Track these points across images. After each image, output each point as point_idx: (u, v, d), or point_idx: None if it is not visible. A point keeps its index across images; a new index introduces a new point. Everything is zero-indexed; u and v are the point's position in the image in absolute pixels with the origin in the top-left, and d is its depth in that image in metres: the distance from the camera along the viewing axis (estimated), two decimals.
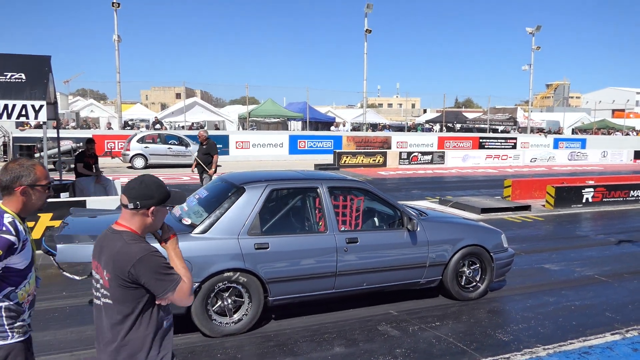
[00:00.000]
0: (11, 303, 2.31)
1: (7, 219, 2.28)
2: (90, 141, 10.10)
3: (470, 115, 47.68)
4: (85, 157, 9.79)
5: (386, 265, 5.24)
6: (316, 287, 4.96)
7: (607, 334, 4.92)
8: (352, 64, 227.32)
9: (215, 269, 4.45)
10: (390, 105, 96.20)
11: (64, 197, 8.59)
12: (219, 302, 4.58)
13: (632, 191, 13.59)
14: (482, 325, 5.09)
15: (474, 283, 5.81)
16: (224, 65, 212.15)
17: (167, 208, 2.28)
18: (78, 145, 18.12)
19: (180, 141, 21.53)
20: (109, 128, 29.18)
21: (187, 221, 4.83)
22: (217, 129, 34.05)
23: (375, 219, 5.61)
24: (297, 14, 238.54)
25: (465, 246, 5.64)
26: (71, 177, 11.07)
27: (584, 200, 12.79)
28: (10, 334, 2.30)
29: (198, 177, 11.33)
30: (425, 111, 70.01)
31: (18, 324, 2.33)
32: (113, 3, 25.35)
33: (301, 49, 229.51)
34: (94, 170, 9.81)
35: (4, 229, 2.24)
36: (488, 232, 6.06)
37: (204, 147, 10.91)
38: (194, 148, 21.65)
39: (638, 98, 76.10)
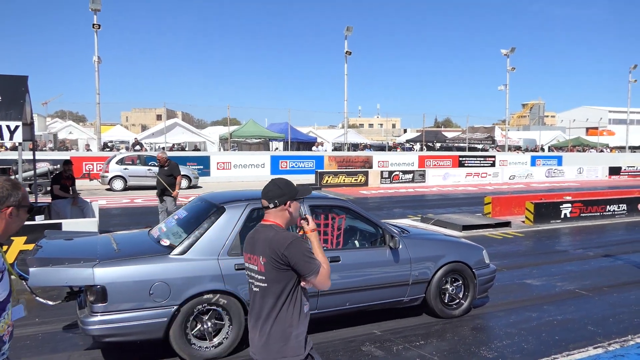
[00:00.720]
0: (4, 323, 2.11)
1: None
2: (67, 162, 9.92)
3: (449, 135, 48.39)
4: (62, 178, 9.60)
5: (369, 284, 5.18)
6: None
7: (589, 347, 4.93)
8: (333, 84, 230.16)
9: (195, 291, 4.35)
10: (371, 125, 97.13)
11: (39, 220, 8.38)
12: (199, 326, 4.46)
13: (608, 206, 13.85)
14: (466, 343, 5.05)
15: (457, 300, 5.79)
16: (206, 87, 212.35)
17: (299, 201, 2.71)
18: (55, 167, 17.79)
19: None
20: (88, 150, 28.80)
21: (165, 242, 4.73)
22: (197, 149, 33.84)
23: (357, 238, 5.57)
24: (279, 35, 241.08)
25: (447, 263, 5.63)
26: (47, 199, 10.83)
27: (562, 216, 12.98)
28: (6, 355, 2.14)
29: (164, 199, 10.26)
30: (405, 131, 70.80)
31: (7, 347, 2.15)
32: (94, 25, 25.25)
33: (282, 70, 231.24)
34: (71, 192, 9.62)
35: None
36: (470, 249, 6.07)
37: (166, 169, 10.24)
38: None
39: (610, 116, 78.29)
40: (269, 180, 2.72)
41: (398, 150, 39.67)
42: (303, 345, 2.56)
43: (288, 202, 2.62)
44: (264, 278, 2.54)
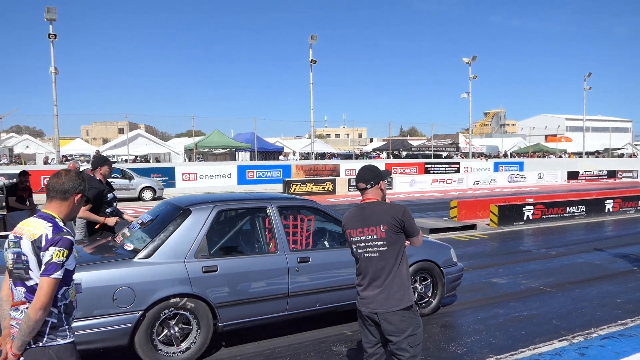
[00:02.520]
0: (67, 301, 2.45)
1: (60, 222, 2.46)
2: (23, 173, 9.54)
3: (415, 143, 49.13)
4: (18, 190, 9.23)
5: (339, 284, 5.15)
6: (268, 310, 4.79)
7: (555, 341, 5.03)
8: (298, 95, 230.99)
9: (161, 295, 4.22)
10: (337, 135, 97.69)
11: None
12: (165, 331, 4.32)
13: (568, 208, 14.32)
14: (435, 340, 5.08)
15: (426, 299, 5.82)
16: (168, 99, 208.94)
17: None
18: (10, 181, 17.11)
19: (124, 174, 20.83)
20: (46, 163, 27.83)
21: (129, 247, 4.58)
22: (158, 161, 33.20)
23: (327, 238, 5.55)
24: (242, 43, 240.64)
25: (416, 262, 5.66)
26: (3, 212, 10.37)
27: (525, 218, 13.33)
28: (69, 333, 2.45)
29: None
30: (372, 140, 71.46)
31: (71, 324, 2.49)
32: (49, 35, 24.57)
33: (247, 81, 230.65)
34: (28, 204, 9.24)
35: (64, 230, 2.41)
36: (438, 248, 6.13)
37: None
38: (138, 181, 20.98)
39: (568, 124, 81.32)
40: (234, 191, 2.80)
41: (378, 158, 39.93)
42: (413, 291, 3.17)
43: (381, 182, 3.26)
44: (384, 242, 3.13)
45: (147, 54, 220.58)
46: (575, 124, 74.81)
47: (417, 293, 5.75)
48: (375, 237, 3.13)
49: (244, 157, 35.92)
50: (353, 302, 5.30)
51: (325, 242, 5.49)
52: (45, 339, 2.37)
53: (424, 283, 5.81)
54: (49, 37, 24.64)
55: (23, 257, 2.39)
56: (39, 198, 14.64)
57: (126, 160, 29.80)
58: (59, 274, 2.33)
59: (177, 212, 4.76)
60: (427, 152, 41.20)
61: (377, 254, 3.14)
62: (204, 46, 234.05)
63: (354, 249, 3.26)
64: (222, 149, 33.04)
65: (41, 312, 2.29)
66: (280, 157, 35.10)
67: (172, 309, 4.30)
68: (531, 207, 13.58)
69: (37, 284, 2.34)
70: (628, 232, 12.52)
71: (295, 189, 23.27)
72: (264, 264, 4.78)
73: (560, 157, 47.68)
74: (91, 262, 4.27)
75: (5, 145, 36.32)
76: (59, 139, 27.31)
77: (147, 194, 20.94)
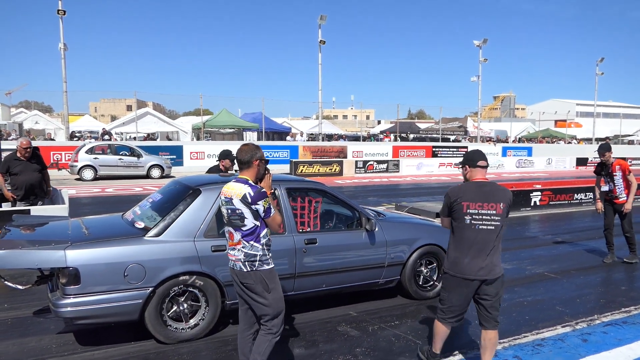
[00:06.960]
0: (268, 239, 3.43)
1: (252, 183, 3.39)
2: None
3: (422, 126, 48.83)
4: None
5: (345, 266, 5.22)
6: None
7: (558, 326, 5.07)
8: (306, 76, 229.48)
9: (170, 272, 4.30)
10: (345, 116, 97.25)
11: (6, 207, 8.12)
12: (175, 307, 4.41)
13: (575, 194, 14.26)
14: None
15: (431, 282, 5.88)
16: (177, 78, 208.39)
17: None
18: None
19: (132, 152, 20.94)
20: (50, 139, 27.92)
21: (140, 224, 4.65)
22: (169, 139, 33.28)
23: (334, 220, 5.59)
24: (252, 23, 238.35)
25: (422, 246, 5.71)
26: None
27: (532, 204, 13.30)
28: (270, 261, 3.44)
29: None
30: (379, 122, 71.11)
31: (271, 254, 3.46)
32: (58, 10, 24.47)
33: (256, 60, 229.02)
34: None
35: (258, 187, 3.36)
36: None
37: (34, 163, 7.66)
38: (146, 159, 21.08)
39: (578, 109, 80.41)
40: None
41: (387, 137, 39.76)
42: (419, 275, 3.95)
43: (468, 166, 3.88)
44: (499, 218, 3.62)
45: (156, 33, 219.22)
46: (586, 110, 74.00)
47: (422, 277, 5.80)
48: (494, 212, 3.61)
49: (251, 137, 35.90)
50: (359, 284, 5.41)
51: (333, 225, 5.54)
52: (257, 265, 3.36)
53: (429, 267, 5.86)
54: (58, 13, 24.57)
55: (237, 211, 3.33)
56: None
57: (134, 138, 29.91)
58: (273, 212, 3.36)
59: (187, 191, 4.81)
60: (434, 136, 40.99)
61: (492, 227, 3.62)
62: (213, 25, 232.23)
63: (468, 220, 3.64)
64: (230, 128, 32.99)
65: (278, 227, 3.45)
66: (288, 137, 35.03)
67: (182, 286, 4.38)
68: (539, 193, 13.55)
69: (249, 229, 3.33)
70: (635, 220, 12.45)
71: (302, 170, 23.31)
72: (272, 244, 4.82)
73: (570, 142, 47.26)
74: (103, 239, 4.34)
75: (15, 120, 36.51)
76: (68, 115, 27.43)
77: (156, 172, 21.08)
